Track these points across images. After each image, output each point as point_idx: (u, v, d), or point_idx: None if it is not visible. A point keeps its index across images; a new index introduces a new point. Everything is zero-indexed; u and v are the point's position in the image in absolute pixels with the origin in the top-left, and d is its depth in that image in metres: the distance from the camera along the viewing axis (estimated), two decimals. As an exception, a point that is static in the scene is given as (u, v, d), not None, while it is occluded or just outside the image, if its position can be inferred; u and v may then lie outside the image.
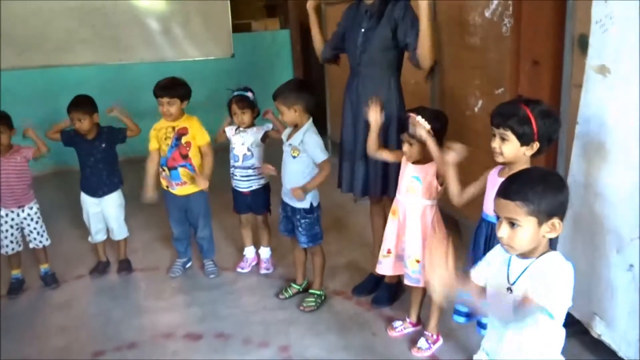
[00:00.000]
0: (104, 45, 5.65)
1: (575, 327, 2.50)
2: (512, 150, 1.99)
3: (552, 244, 2.50)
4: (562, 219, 1.52)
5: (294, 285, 3.19)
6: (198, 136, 3.23)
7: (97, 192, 3.43)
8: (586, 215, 2.31)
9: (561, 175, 2.38)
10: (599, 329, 2.30)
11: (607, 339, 2.27)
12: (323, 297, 3.09)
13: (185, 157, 3.22)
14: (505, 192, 1.52)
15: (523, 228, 1.49)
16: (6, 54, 5.21)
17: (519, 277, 1.57)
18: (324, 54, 3.15)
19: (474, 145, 3.05)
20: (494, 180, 2.13)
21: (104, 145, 3.36)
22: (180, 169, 3.23)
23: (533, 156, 2.03)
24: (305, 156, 2.84)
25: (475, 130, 3.17)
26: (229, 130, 3.33)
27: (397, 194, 2.63)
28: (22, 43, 5.34)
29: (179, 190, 3.29)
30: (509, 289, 1.59)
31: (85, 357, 2.71)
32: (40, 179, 5.17)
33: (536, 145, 1.98)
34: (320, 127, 3.05)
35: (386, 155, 2.68)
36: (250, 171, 3.29)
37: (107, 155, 3.40)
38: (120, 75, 5.76)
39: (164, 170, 3.26)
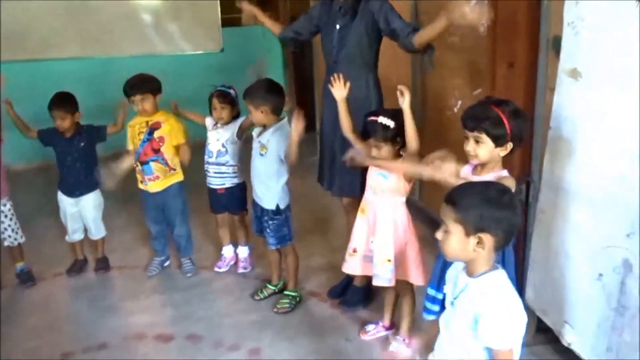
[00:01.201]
0: (93, 39, 5.60)
1: (547, 334, 2.47)
2: (487, 152, 1.97)
3: (525, 251, 2.49)
4: (495, 236, 1.46)
5: (269, 285, 3.16)
6: (173, 135, 3.19)
7: (74, 192, 3.39)
8: (559, 222, 2.26)
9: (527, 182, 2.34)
10: (569, 338, 2.25)
11: (576, 348, 2.22)
12: (298, 299, 3.06)
13: (156, 151, 3.18)
14: (447, 195, 1.51)
15: (451, 234, 1.48)
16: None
17: (459, 293, 1.53)
18: (283, 33, 3.12)
19: (453, 145, 3.02)
20: (467, 178, 2.10)
21: (82, 144, 3.32)
22: (152, 163, 3.19)
23: (506, 155, 2.01)
24: (272, 155, 2.81)
25: (454, 130, 3.10)
26: (209, 123, 3.29)
27: (365, 192, 2.59)
28: (9, 37, 5.28)
29: (152, 185, 3.24)
30: (452, 303, 1.55)
31: (53, 359, 2.68)
32: (25, 173, 5.17)
33: (510, 146, 1.97)
34: (310, 123, 3.03)
35: (357, 143, 2.60)
36: (223, 168, 3.25)
37: (85, 154, 3.34)
38: (107, 68, 5.69)
39: (137, 165, 3.22)
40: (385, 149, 2.41)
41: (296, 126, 2.67)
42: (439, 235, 1.51)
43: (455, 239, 1.47)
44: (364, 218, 2.60)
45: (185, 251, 3.47)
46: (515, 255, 2.16)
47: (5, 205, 3.28)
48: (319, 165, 3.04)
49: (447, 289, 1.63)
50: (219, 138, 3.23)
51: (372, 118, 2.41)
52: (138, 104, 3.13)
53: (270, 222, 2.92)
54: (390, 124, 2.38)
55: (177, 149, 3.22)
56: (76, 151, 3.31)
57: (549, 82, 2.28)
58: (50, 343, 2.81)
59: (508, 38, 2.48)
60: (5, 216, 3.29)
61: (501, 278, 1.49)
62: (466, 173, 2.11)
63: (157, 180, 3.24)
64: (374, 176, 2.52)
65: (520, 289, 2.42)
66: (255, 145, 2.88)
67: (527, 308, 1.98)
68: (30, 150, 5.28)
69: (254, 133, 2.93)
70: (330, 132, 2.89)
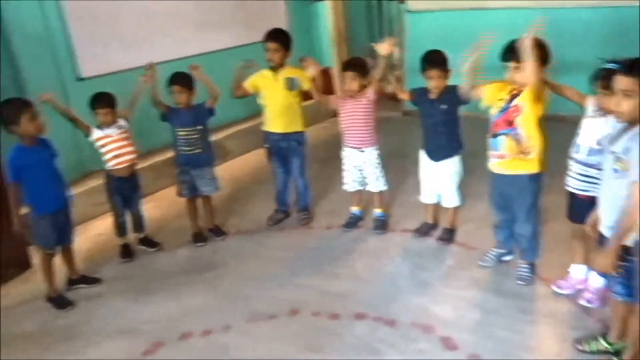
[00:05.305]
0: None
1: None
2: None
3: None
4: None
5: (601, 340, 2.32)
6: (536, 104, 2.56)
7: (435, 155, 3.24)
8: None
9: None
10: None
11: None
12: (632, 378, 2.15)
13: (509, 123, 2.65)
14: None
15: None
16: None
17: None
18: None
19: None
20: None
21: (443, 106, 3.10)
22: (502, 137, 2.68)
23: None
24: (633, 173, 1.90)
25: None
26: (591, 106, 2.50)
27: None
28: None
29: (498, 165, 2.76)
30: None
31: (347, 316, 2.76)
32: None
33: None
34: None
35: None
36: (592, 171, 2.46)
37: (447, 118, 3.13)
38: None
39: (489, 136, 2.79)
40: None
41: None
42: None
43: None
44: None
45: (526, 254, 2.90)
46: None
47: (372, 153, 3.45)
48: None
49: None
50: (597, 131, 2.42)
51: None
52: (511, 70, 2.64)
53: (620, 262, 2.08)
54: None
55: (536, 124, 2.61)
56: (438, 114, 3.12)
57: None
58: (353, 296, 2.90)
59: None
60: (371, 163, 3.47)
61: None
62: None
63: (503, 160, 2.73)
64: None
65: None
66: (608, 156, 2.02)
67: None
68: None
69: (605, 139, 2.07)
70: None
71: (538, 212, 2.81)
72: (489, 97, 2.74)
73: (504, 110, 2.67)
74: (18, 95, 3.26)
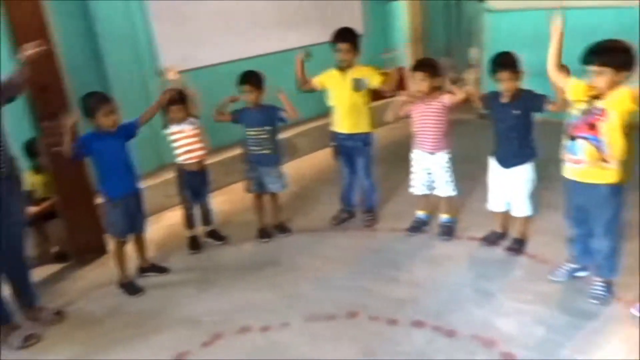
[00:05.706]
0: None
1: None
2: None
3: None
4: None
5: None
6: (622, 110, 2.40)
7: (506, 162, 3.11)
8: None
9: None
10: None
11: None
12: None
13: (591, 127, 2.48)
14: None
15: None
16: None
17: None
18: None
19: None
20: None
21: (516, 111, 2.96)
22: (581, 142, 2.52)
23: None
24: None
25: None
26: None
27: None
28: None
29: (573, 172, 2.60)
30: None
31: (405, 323, 2.70)
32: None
33: None
34: None
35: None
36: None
37: (519, 122, 3.00)
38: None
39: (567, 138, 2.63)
40: None
41: None
42: None
43: None
44: None
45: (600, 271, 2.72)
46: None
47: (442, 157, 3.36)
48: None
49: None
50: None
51: None
52: (593, 75, 2.48)
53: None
54: None
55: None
56: (511, 119, 2.99)
57: None
58: (414, 302, 2.84)
59: None
60: (440, 167, 3.38)
61: None
62: None
63: (580, 166, 2.57)
64: None
65: None
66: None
67: None
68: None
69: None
70: None
71: (619, 227, 2.63)
72: (574, 93, 2.57)
73: (587, 113, 2.51)
74: (102, 90, 3.45)
